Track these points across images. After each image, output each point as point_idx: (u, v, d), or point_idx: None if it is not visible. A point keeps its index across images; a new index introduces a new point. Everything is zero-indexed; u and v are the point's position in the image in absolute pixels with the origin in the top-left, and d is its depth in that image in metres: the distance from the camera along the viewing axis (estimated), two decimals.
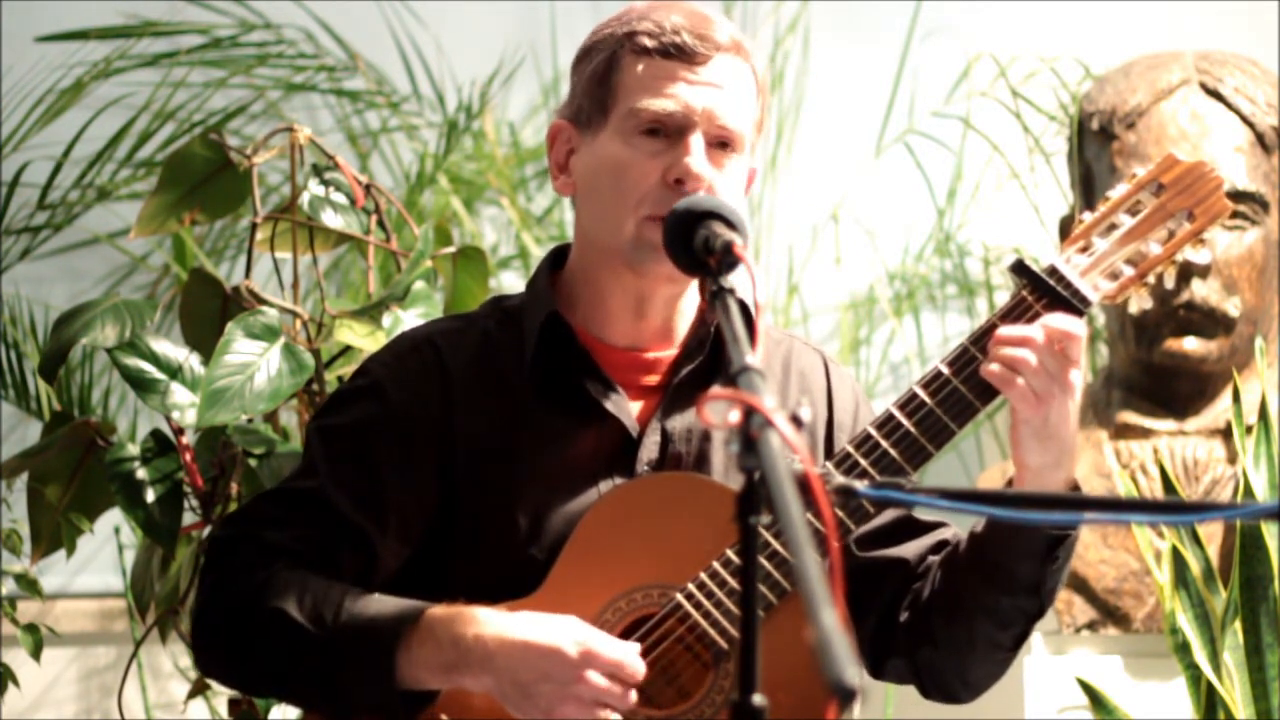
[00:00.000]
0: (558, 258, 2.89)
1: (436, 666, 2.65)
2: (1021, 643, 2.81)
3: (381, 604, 2.70)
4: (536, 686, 2.62)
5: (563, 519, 2.74)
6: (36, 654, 3.72)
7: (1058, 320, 2.69)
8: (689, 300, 2.84)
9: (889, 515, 2.85)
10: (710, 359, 2.82)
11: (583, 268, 2.83)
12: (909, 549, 2.86)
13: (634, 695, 2.63)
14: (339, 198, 3.53)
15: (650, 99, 2.75)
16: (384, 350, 2.88)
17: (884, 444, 2.72)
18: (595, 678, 2.61)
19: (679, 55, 2.76)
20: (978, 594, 2.76)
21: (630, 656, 2.64)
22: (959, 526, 2.89)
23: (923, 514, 2.88)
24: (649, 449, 2.79)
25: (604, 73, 2.79)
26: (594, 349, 2.81)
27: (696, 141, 2.74)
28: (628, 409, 2.80)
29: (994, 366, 2.69)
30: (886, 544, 2.85)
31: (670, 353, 2.83)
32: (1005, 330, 2.70)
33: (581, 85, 2.82)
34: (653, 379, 2.83)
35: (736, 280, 2.52)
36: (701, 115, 2.74)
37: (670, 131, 2.75)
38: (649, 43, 2.76)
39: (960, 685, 2.84)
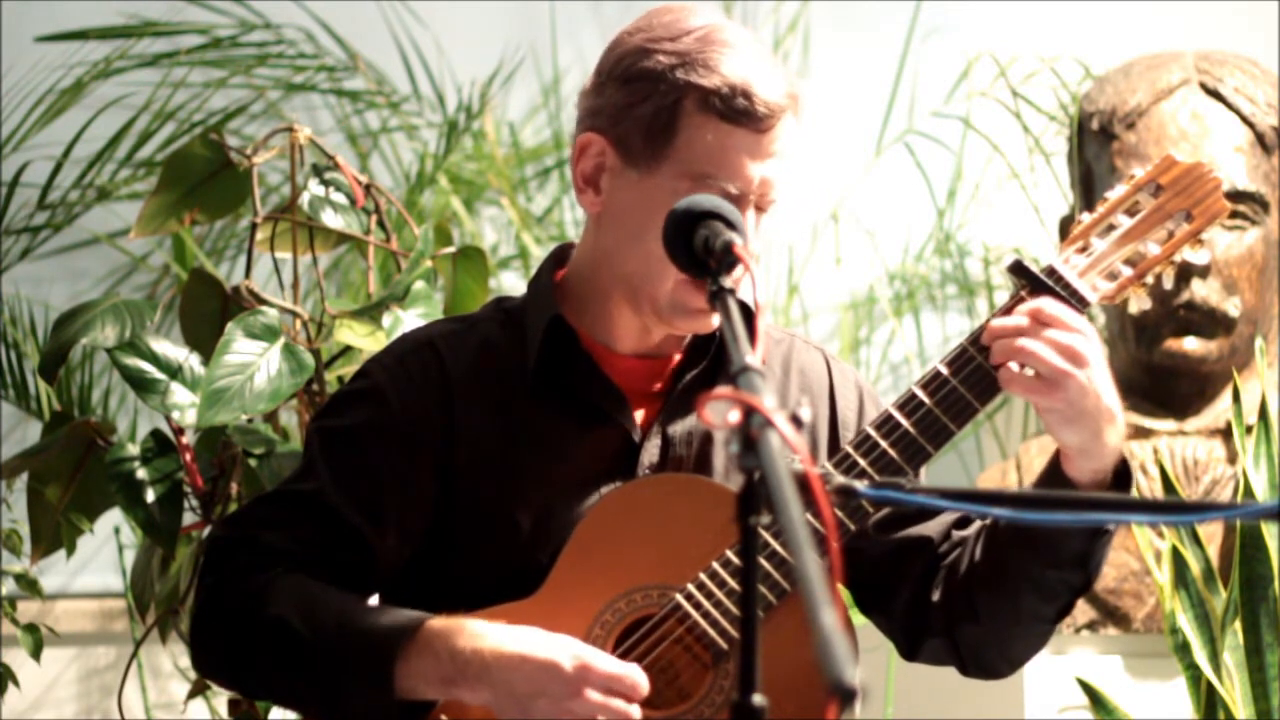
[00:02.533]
0: (559, 258, 2.88)
1: (434, 679, 2.64)
2: (1065, 615, 2.80)
3: (380, 614, 2.69)
4: (533, 701, 2.61)
5: (563, 522, 2.74)
6: (36, 654, 3.73)
7: (1035, 301, 2.68)
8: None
9: None
10: (713, 364, 2.81)
11: (594, 281, 2.81)
12: (931, 526, 2.84)
13: (636, 713, 2.62)
14: (339, 198, 3.53)
15: (717, 177, 2.71)
16: (384, 352, 2.88)
17: (883, 444, 2.71)
18: (592, 694, 2.61)
19: (748, 122, 2.73)
20: (1023, 567, 2.74)
21: (630, 673, 2.63)
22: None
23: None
24: (650, 453, 2.78)
25: (666, 120, 2.73)
26: (597, 353, 2.81)
27: (750, 218, 2.73)
28: (630, 413, 2.79)
29: (1002, 371, 2.67)
30: (908, 524, 2.84)
31: (674, 358, 2.83)
32: (996, 323, 2.69)
33: (635, 117, 2.75)
34: (656, 384, 2.82)
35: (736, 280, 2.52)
36: (758, 186, 2.74)
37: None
38: (718, 105, 2.72)
39: (1002, 660, 2.84)
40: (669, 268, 2.67)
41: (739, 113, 2.72)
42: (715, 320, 2.73)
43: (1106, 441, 2.68)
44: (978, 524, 2.82)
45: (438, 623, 2.66)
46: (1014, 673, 2.87)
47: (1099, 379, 2.66)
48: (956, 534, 2.84)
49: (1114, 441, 2.69)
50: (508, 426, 2.78)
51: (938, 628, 2.82)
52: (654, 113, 2.74)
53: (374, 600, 2.79)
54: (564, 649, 2.62)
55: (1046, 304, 2.67)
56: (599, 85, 2.80)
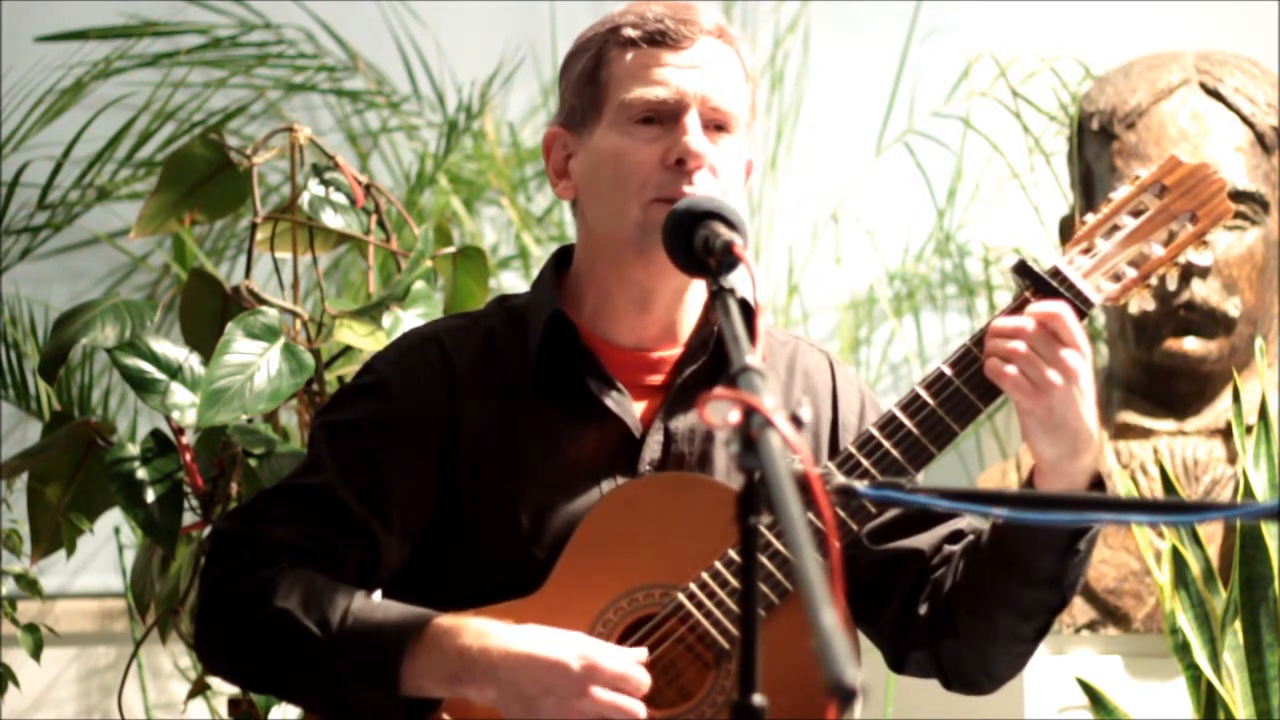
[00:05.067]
0: (563, 257, 2.89)
1: (440, 677, 2.65)
2: (1043, 634, 2.81)
3: (387, 610, 2.69)
4: (540, 700, 2.61)
5: (564, 518, 2.74)
6: (36, 654, 3.72)
7: (1041, 305, 2.69)
8: (693, 300, 2.84)
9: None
10: (714, 359, 2.82)
11: (588, 266, 2.84)
12: (923, 540, 2.85)
13: (641, 709, 2.62)
14: (339, 198, 3.53)
15: (642, 88, 2.76)
16: (389, 348, 2.89)
17: (886, 444, 2.71)
18: (599, 692, 2.61)
19: (663, 41, 2.78)
20: (999, 586, 2.76)
21: (635, 670, 2.63)
22: (972, 519, 2.89)
23: None
24: (651, 449, 2.79)
25: (592, 70, 2.81)
26: (598, 348, 2.81)
27: (693, 121, 2.75)
28: (630, 409, 2.79)
29: (991, 362, 2.69)
30: (900, 536, 2.85)
31: (674, 353, 2.83)
32: (999, 323, 2.70)
33: (571, 88, 2.84)
34: (656, 379, 2.83)
35: (736, 280, 2.52)
36: (694, 97, 2.76)
37: (665, 117, 2.76)
38: (633, 33, 2.78)
39: (984, 677, 2.84)
40: (630, 193, 2.74)
41: (653, 34, 2.79)
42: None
43: (1080, 461, 2.69)
44: (967, 541, 2.83)
45: (445, 620, 2.66)
46: (997, 689, 2.87)
47: (1085, 400, 2.67)
48: (948, 549, 2.85)
49: (1087, 464, 2.70)
50: (510, 422, 2.78)
51: (922, 640, 2.84)
52: (582, 72, 2.82)
53: (377, 596, 2.79)
54: (571, 648, 2.62)
55: (1063, 312, 2.68)
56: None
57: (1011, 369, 2.66)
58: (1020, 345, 2.67)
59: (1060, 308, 2.68)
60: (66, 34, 4.67)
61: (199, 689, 3.71)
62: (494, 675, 2.62)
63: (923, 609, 2.82)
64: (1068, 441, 2.68)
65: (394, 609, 2.70)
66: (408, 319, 3.41)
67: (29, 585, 3.71)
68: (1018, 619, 2.77)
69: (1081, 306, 2.72)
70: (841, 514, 2.70)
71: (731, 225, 2.58)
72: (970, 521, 2.87)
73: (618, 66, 2.79)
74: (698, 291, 2.83)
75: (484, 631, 2.64)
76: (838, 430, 2.87)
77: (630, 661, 2.63)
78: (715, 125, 2.77)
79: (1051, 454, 2.69)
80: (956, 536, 2.86)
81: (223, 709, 4.02)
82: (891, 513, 2.83)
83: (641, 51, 2.78)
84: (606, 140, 2.78)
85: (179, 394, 3.43)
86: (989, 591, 2.77)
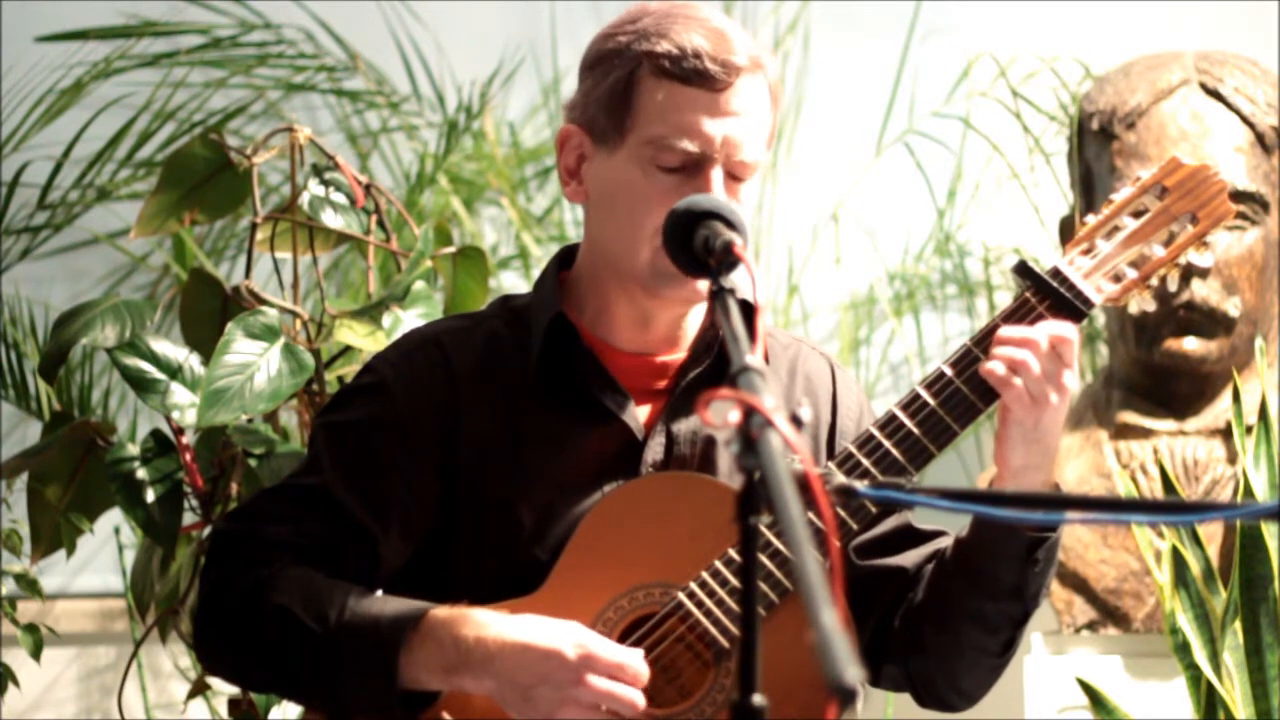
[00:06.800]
0: (566, 257, 2.88)
1: (437, 668, 2.65)
2: (1010, 649, 2.81)
3: (384, 604, 2.70)
4: (536, 689, 2.62)
5: (566, 520, 2.74)
6: (36, 654, 3.72)
7: (1055, 327, 2.70)
8: (698, 307, 2.83)
9: (889, 524, 2.86)
10: (718, 363, 2.81)
11: (591, 274, 2.83)
12: (908, 558, 2.86)
13: (639, 699, 2.62)
14: (339, 198, 3.53)
15: (672, 136, 2.71)
16: (391, 348, 2.89)
17: (886, 444, 2.72)
18: (595, 681, 2.61)
19: (700, 82, 2.72)
20: (964, 600, 2.77)
21: (632, 660, 2.63)
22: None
23: (922, 523, 2.89)
24: (654, 451, 2.78)
25: (622, 91, 2.74)
26: (600, 351, 2.81)
27: (716, 176, 2.72)
28: (633, 412, 2.79)
29: (995, 366, 2.70)
30: (886, 553, 2.86)
31: (678, 356, 2.83)
32: (1007, 330, 2.71)
33: (597, 97, 2.77)
34: (660, 382, 2.82)
35: (737, 280, 2.52)
36: (721, 150, 2.72)
37: (689, 164, 2.73)
38: (669, 66, 2.72)
39: (953, 693, 2.85)
40: (644, 236, 2.71)
41: (691, 72, 2.72)
42: (702, 286, 2.72)
43: (1041, 473, 2.74)
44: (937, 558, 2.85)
45: (442, 612, 2.66)
46: (968, 707, 2.87)
47: (1062, 418, 2.72)
48: (928, 568, 2.86)
49: (1046, 476, 2.75)
50: (512, 424, 2.78)
51: (894, 655, 2.84)
52: (612, 87, 2.76)
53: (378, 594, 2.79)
54: (567, 637, 2.63)
55: (1074, 336, 2.70)
56: (578, 82, 2.83)
57: (1017, 380, 2.68)
58: (1030, 359, 2.68)
59: (1071, 332, 2.69)
60: (66, 34, 4.67)
61: (199, 689, 3.71)
62: (491, 665, 2.62)
63: (896, 624, 2.83)
64: (1039, 454, 2.72)
65: (391, 603, 2.70)
66: (408, 319, 3.41)
67: (29, 585, 3.71)
68: (983, 632, 2.79)
69: (1082, 307, 2.73)
70: (842, 513, 2.71)
71: (731, 225, 2.58)
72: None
73: (650, 98, 2.73)
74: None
75: (481, 622, 2.64)
76: (835, 435, 2.88)
77: (628, 652, 2.64)
78: (737, 177, 2.75)
79: (1020, 463, 2.72)
80: (939, 556, 2.86)
81: (223, 709, 4.02)
82: (878, 529, 2.84)
83: (676, 90, 2.72)
84: (627, 171, 2.75)
85: (179, 394, 3.43)
86: (954, 606, 2.78)
